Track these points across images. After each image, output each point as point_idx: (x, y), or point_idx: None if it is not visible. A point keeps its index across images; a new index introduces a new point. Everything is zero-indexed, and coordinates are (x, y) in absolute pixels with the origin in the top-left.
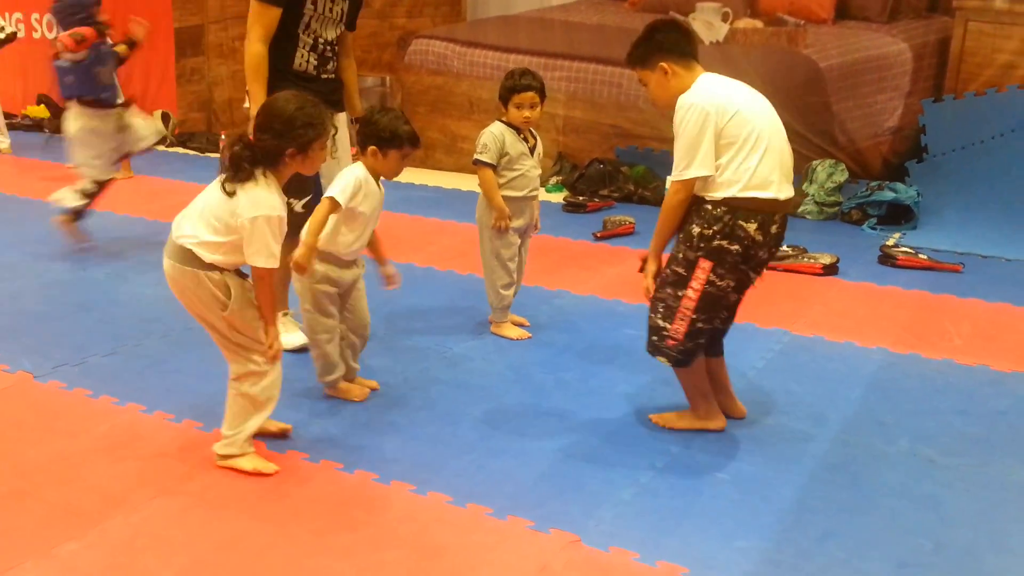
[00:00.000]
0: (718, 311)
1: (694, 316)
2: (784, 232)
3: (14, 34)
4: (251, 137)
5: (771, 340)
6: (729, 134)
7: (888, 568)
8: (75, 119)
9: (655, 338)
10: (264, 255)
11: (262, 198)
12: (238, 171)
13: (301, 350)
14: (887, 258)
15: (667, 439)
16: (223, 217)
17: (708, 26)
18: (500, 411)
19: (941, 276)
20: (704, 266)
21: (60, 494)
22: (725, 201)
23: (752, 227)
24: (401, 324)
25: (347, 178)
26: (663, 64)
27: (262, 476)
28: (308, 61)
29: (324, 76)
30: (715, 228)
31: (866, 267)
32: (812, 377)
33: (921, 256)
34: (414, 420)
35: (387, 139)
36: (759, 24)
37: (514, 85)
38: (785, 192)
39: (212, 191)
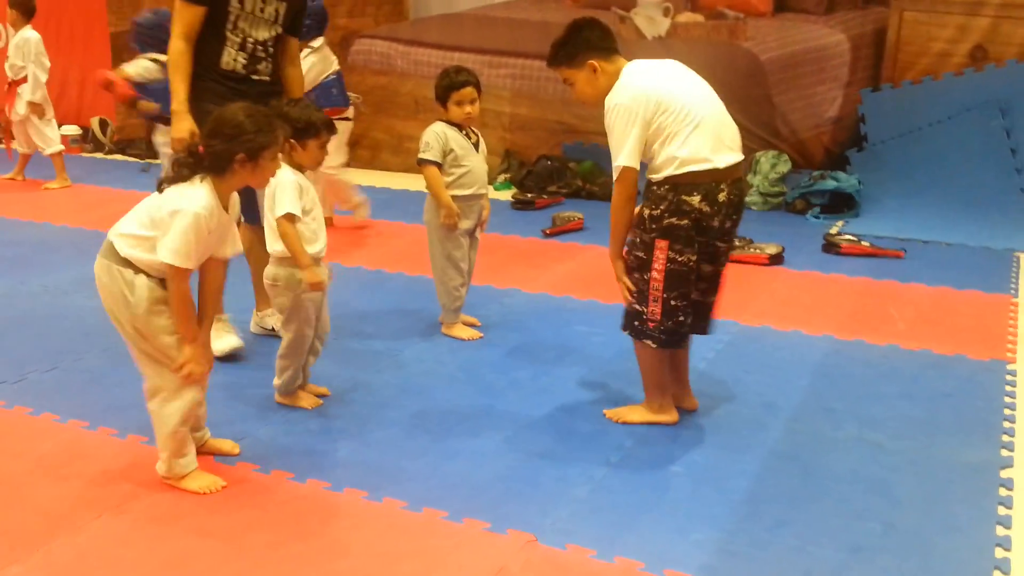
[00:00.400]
0: (687, 286)
1: (665, 295)
2: (741, 199)
3: None
4: (200, 148)
5: (720, 331)
6: (659, 120)
7: (841, 553)
8: (163, 135)
9: (636, 323)
10: (172, 250)
11: (189, 195)
12: (178, 177)
13: (230, 357)
14: (831, 246)
15: (621, 434)
16: (151, 212)
17: (650, 21)
18: (453, 413)
19: (884, 262)
20: (661, 245)
21: (2, 516)
22: (667, 179)
23: (696, 199)
24: (351, 327)
25: (286, 188)
26: (592, 62)
27: (212, 493)
28: (236, 60)
29: (255, 77)
30: (662, 207)
31: (811, 256)
32: (761, 366)
33: (864, 243)
34: (365, 425)
35: (303, 129)
36: (700, 18)
37: (451, 83)
38: (725, 159)
39: (150, 196)
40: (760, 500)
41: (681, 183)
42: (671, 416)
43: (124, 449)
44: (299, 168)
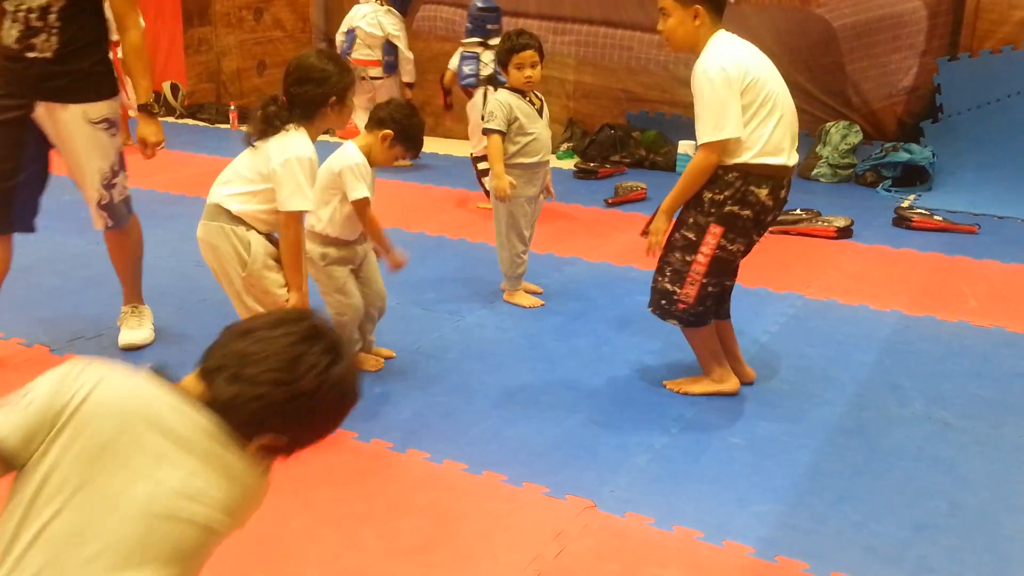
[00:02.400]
0: (726, 275)
1: (704, 280)
2: (788, 195)
3: None
4: (283, 97)
5: (784, 304)
6: (747, 99)
7: (904, 530)
8: None
9: (664, 302)
10: (298, 197)
11: (292, 142)
12: (268, 126)
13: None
14: (902, 220)
15: (681, 404)
16: (256, 167)
17: None
18: (514, 379)
19: (956, 237)
20: (715, 231)
21: None
22: (737, 167)
23: (763, 192)
24: (414, 294)
25: (357, 172)
26: (699, 7)
27: None
28: (10, 34)
29: (30, 55)
30: (727, 193)
31: (880, 229)
32: (826, 341)
33: (936, 218)
34: (428, 389)
35: (408, 137)
36: None
37: (512, 45)
38: (794, 159)
39: (242, 153)
40: (822, 474)
41: (753, 173)
42: (732, 385)
43: None
44: (368, 152)
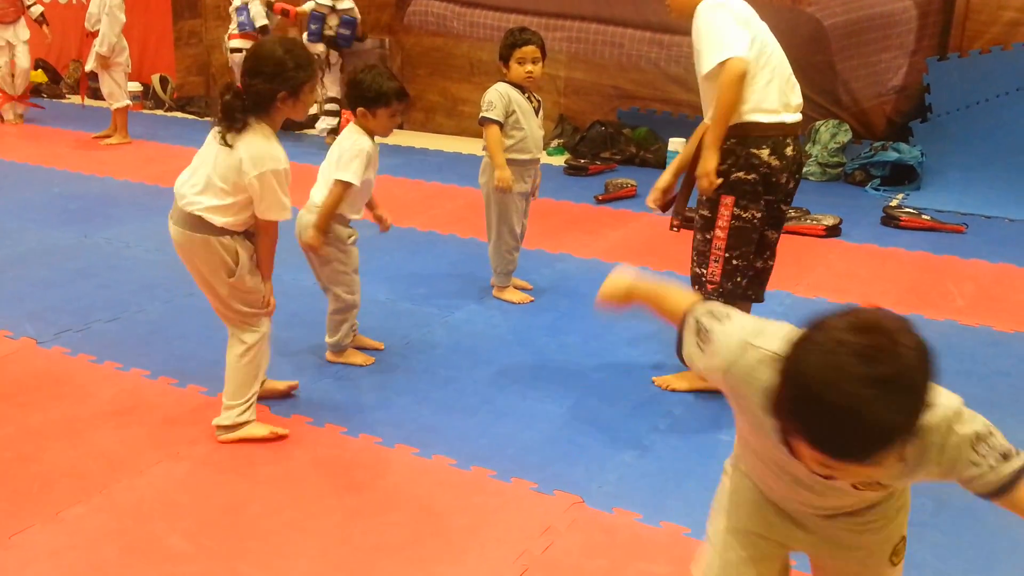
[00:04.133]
0: (750, 244)
1: (726, 255)
2: (802, 157)
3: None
4: (239, 85)
5: (774, 302)
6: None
7: None
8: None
9: (696, 287)
10: (276, 208)
11: (264, 151)
12: (232, 121)
13: None
14: (890, 219)
15: (669, 401)
16: (229, 177)
17: None
18: (503, 375)
19: (944, 237)
20: (727, 202)
21: (66, 458)
22: (733, 130)
23: (765, 152)
24: (403, 289)
25: (357, 154)
26: None
27: (279, 439)
28: None
29: None
30: (729, 162)
31: (869, 228)
32: None
33: (924, 217)
34: (417, 384)
35: (373, 98)
36: None
37: (514, 41)
38: (791, 116)
39: (210, 148)
40: None
41: (749, 134)
42: None
43: (184, 398)
44: (369, 134)
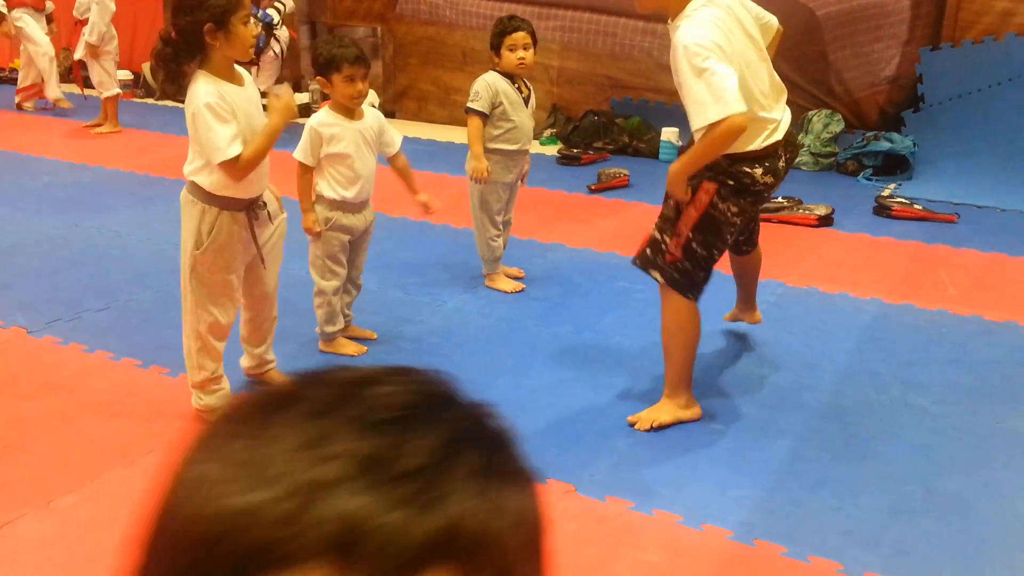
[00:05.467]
0: (717, 240)
1: (690, 235)
2: (796, 153)
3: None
4: (171, 33)
5: (766, 292)
6: None
7: (880, 514)
8: None
9: (650, 251)
10: (211, 148)
11: (191, 93)
12: (168, 72)
13: None
14: (882, 209)
15: (662, 390)
16: (190, 132)
17: None
18: (494, 364)
19: (936, 226)
20: (708, 188)
21: (57, 448)
22: (726, 163)
23: (758, 172)
24: (395, 278)
25: (304, 134)
26: None
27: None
28: None
29: None
30: (717, 170)
31: (861, 218)
32: (806, 328)
33: (916, 207)
34: None
35: (325, 64)
36: None
37: (504, 28)
38: (782, 128)
39: None
40: (801, 460)
41: (744, 159)
42: (696, 412)
43: (176, 387)
44: (338, 107)
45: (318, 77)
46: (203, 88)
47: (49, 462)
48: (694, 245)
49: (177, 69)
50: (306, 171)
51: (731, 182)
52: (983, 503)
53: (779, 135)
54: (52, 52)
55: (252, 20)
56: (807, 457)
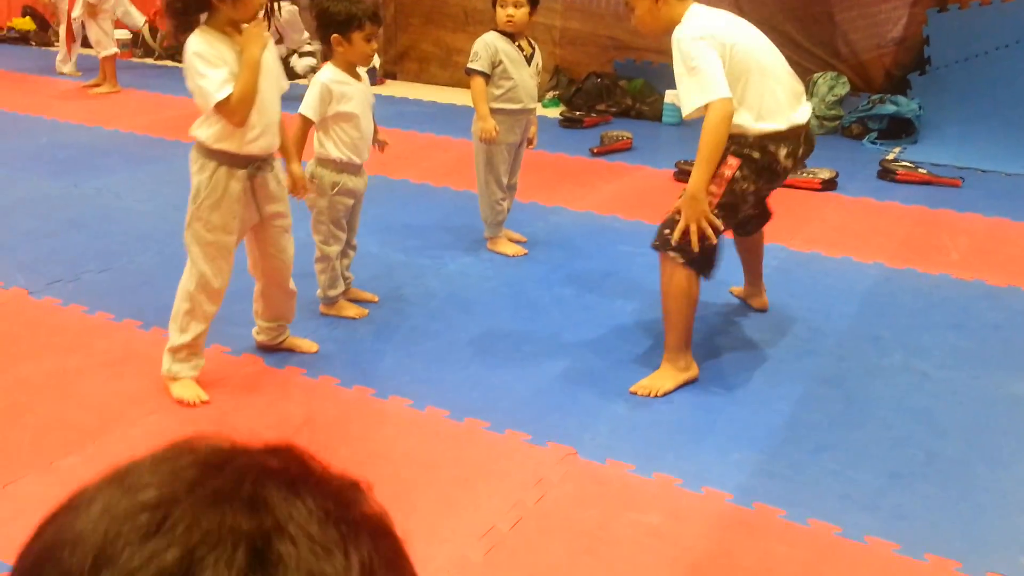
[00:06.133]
0: (733, 216)
1: (715, 211)
2: (812, 147)
3: None
4: None
5: (768, 255)
6: (735, 70)
7: (880, 478)
8: None
9: (668, 231)
10: (199, 93)
11: (185, 46)
12: (176, 24)
13: None
14: (887, 173)
15: (662, 354)
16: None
17: None
18: (496, 327)
19: (940, 191)
20: (731, 163)
21: (58, 409)
22: (750, 139)
23: (783, 153)
24: (397, 241)
25: (311, 89)
26: None
27: (188, 406)
28: None
29: None
30: (741, 143)
31: (865, 182)
32: (809, 292)
33: (921, 171)
34: (411, 337)
35: (344, 22)
36: None
37: None
38: (799, 115)
39: None
40: (801, 424)
41: (769, 140)
42: (694, 372)
43: None
44: (347, 65)
45: (334, 35)
46: (194, 40)
47: (50, 423)
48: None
49: (185, 21)
50: (307, 126)
51: (756, 155)
52: (983, 468)
53: (802, 119)
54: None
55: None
56: (807, 422)
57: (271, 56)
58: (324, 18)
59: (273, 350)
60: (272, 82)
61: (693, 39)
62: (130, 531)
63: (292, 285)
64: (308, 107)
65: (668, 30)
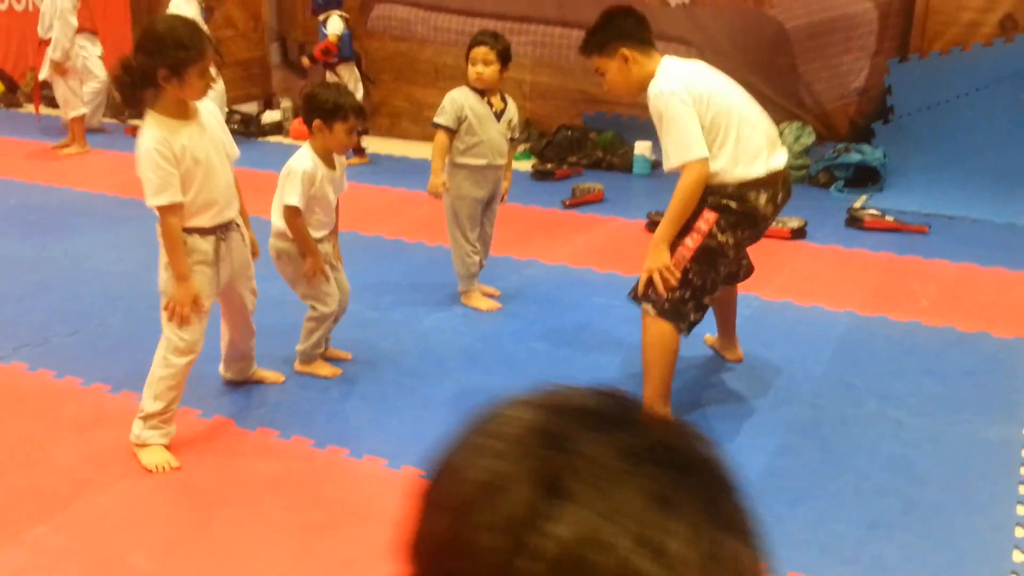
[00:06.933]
0: (713, 271)
1: (688, 265)
2: (789, 193)
3: None
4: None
5: (741, 305)
6: (709, 122)
7: (859, 529)
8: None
9: (646, 286)
10: (147, 190)
11: (140, 134)
12: (125, 97)
13: None
14: (854, 220)
15: None
16: None
17: None
18: (472, 383)
19: (908, 237)
20: (708, 217)
21: (26, 477)
22: (730, 186)
23: (762, 200)
24: (370, 297)
25: (295, 178)
26: (624, 51)
27: (162, 472)
28: None
29: None
30: (720, 194)
31: (834, 230)
32: (781, 341)
33: (888, 218)
34: (385, 394)
35: (330, 111)
36: None
37: (471, 42)
38: (776, 160)
39: None
40: (779, 475)
41: (749, 188)
42: None
43: None
44: (324, 151)
45: (316, 121)
46: (148, 133)
47: (19, 491)
48: (691, 276)
49: (133, 95)
50: (297, 212)
51: (734, 204)
52: (961, 515)
53: (780, 164)
54: (107, 82)
55: (211, 70)
56: (785, 472)
57: (217, 124)
58: (312, 103)
59: (241, 384)
60: (220, 154)
61: (668, 94)
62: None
63: (253, 326)
64: (298, 197)
65: (642, 88)
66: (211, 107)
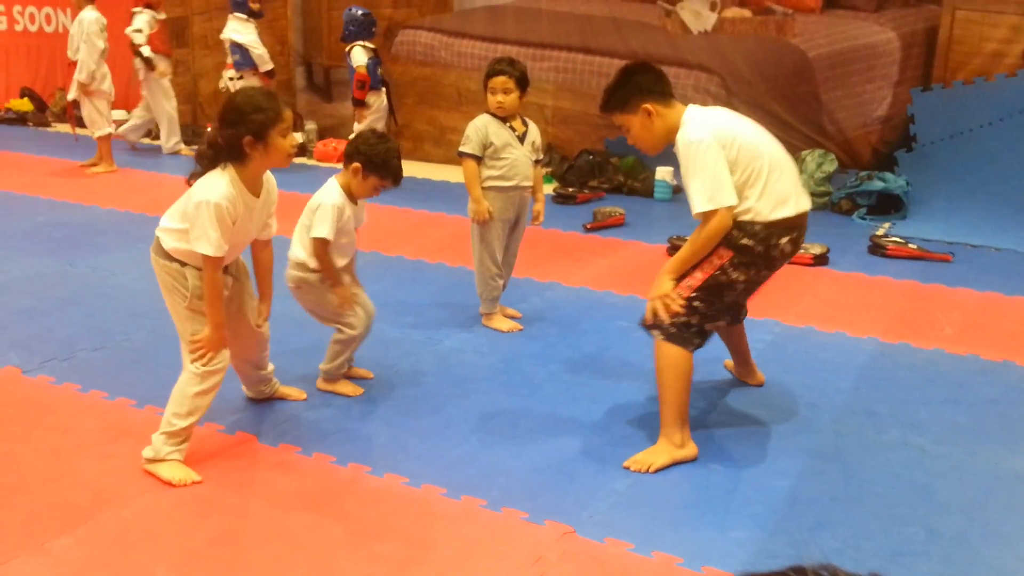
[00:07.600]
0: (719, 301)
1: (695, 294)
2: (804, 230)
3: None
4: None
5: (763, 331)
6: (741, 165)
7: (882, 557)
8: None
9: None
10: (202, 241)
11: (211, 184)
12: (205, 169)
13: None
14: (877, 248)
15: (660, 430)
16: (184, 204)
17: (696, 15)
18: (492, 404)
19: (931, 266)
20: (722, 254)
21: (50, 489)
22: (762, 224)
23: (785, 240)
24: (392, 317)
25: (325, 212)
26: (646, 106)
27: (183, 486)
28: None
29: None
30: (745, 232)
31: (856, 257)
32: (803, 367)
33: (911, 246)
34: (407, 413)
35: (376, 166)
36: (747, 13)
37: (489, 71)
38: (804, 202)
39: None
40: (800, 501)
41: (777, 227)
42: (692, 451)
43: None
44: (348, 190)
45: (357, 165)
46: (222, 187)
47: (43, 503)
48: (696, 303)
49: (210, 166)
50: (327, 246)
51: (752, 244)
52: (984, 545)
53: (807, 205)
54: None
55: (291, 132)
56: (807, 498)
57: (272, 203)
58: (363, 147)
59: (264, 401)
60: (257, 225)
61: (697, 141)
62: None
63: (266, 330)
64: (328, 231)
65: (668, 140)
66: (271, 185)
